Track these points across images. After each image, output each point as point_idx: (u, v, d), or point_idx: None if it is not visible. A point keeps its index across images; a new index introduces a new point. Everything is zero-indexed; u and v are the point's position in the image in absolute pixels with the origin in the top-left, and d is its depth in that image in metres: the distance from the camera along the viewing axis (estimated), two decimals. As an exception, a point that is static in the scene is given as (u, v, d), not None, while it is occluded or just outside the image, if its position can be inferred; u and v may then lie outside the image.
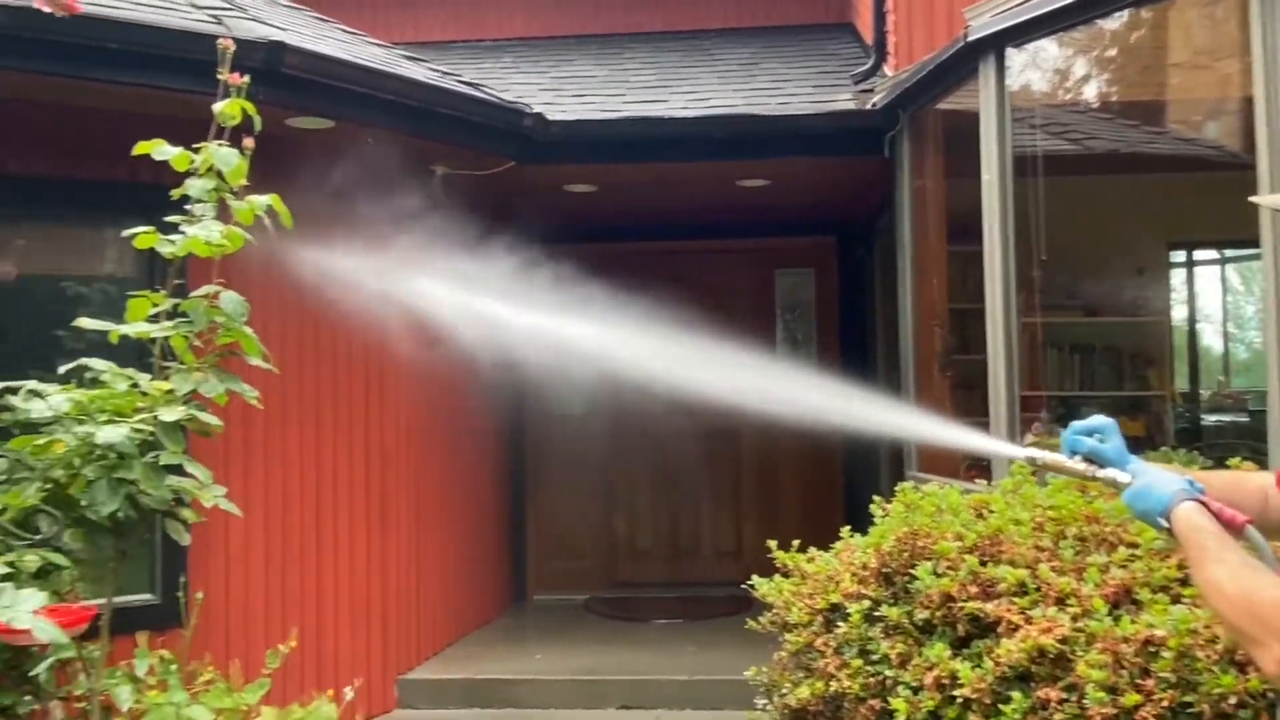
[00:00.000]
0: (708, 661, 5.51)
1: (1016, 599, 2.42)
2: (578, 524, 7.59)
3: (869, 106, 5.27)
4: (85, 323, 2.89)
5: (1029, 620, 2.35)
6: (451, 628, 6.02)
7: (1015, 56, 4.29)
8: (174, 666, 3.66)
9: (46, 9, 2.28)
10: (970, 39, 4.23)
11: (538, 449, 7.53)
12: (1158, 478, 1.61)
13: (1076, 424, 1.74)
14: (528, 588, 7.46)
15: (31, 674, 3.01)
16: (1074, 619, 2.32)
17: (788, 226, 7.27)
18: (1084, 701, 2.18)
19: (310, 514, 4.98)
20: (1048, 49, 4.69)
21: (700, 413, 6.61)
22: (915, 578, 2.56)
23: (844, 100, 5.52)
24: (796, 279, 7.57)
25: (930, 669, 2.42)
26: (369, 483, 5.26)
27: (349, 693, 4.38)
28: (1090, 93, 5.57)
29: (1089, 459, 1.73)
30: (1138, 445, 1.78)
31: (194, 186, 2.95)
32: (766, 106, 5.48)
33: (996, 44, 4.20)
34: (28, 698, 3.09)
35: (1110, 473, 1.70)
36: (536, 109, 5.41)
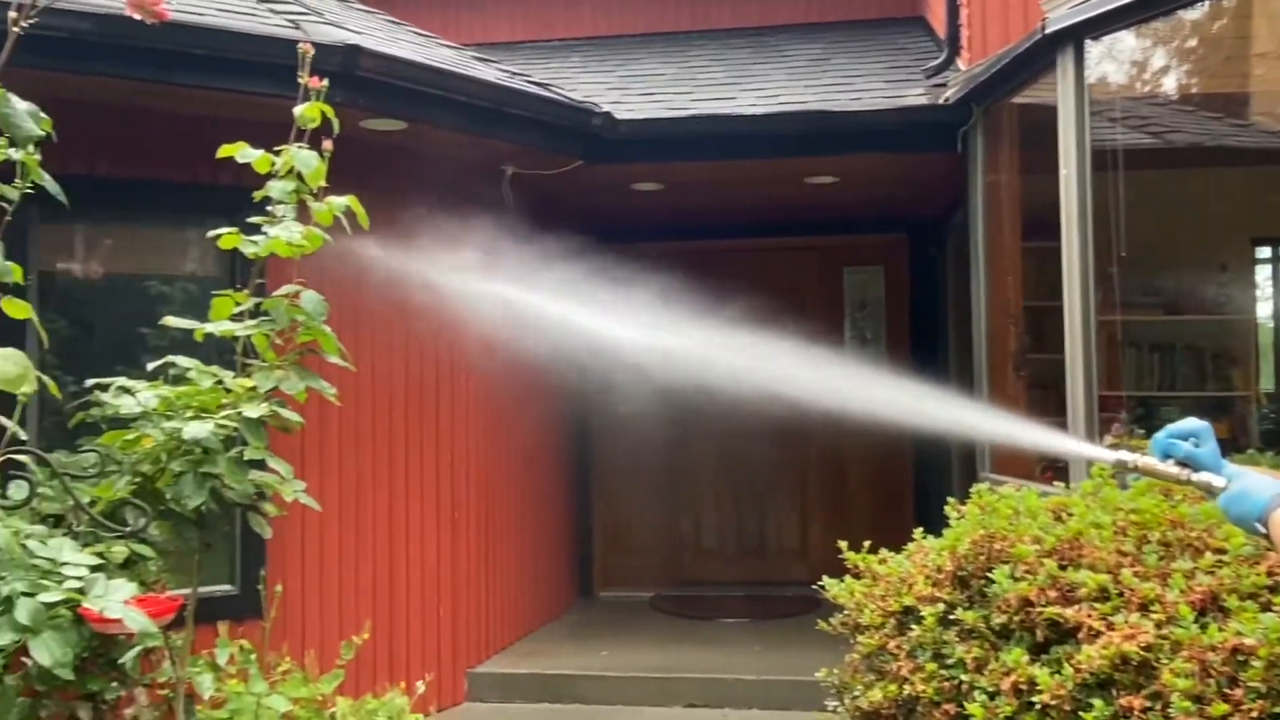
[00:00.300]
0: (775, 661, 5.49)
1: (1098, 604, 2.37)
2: (644, 521, 7.61)
3: (942, 101, 5.20)
4: (171, 321, 2.98)
5: (1111, 626, 2.30)
6: (520, 622, 6.08)
7: (1092, 48, 4.20)
8: (253, 656, 3.75)
9: (136, 16, 2.34)
10: (1048, 31, 4.14)
11: (604, 446, 7.56)
12: (1255, 482, 1.59)
13: (1171, 427, 1.71)
14: (594, 584, 7.51)
15: (119, 661, 3.10)
16: (1158, 626, 2.26)
17: (856, 223, 7.20)
18: (1169, 710, 2.13)
19: (383, 509, 5.06)
20: (1125, 40, 4.58)
21: (766, 411, 6.61)
22: (992, 581, 2.52)
23: (916, 95, 5.45)
24: (865, 276, 7.50)
25: (1007, 674, 2.38)
26: (439, 478, 5.34)
27: (421, 686, 4.45)
28: (1170, 85, 5.43)
29: (1182, 463, 1.69)
30: (1221, 447, 1.74)
31: (275, 188, 3.01)
32: (837, 103, 5.43)
33: (1075, 36, 4.11)
34: (114, 684, 3.19)
35: (1205, 477, 1.67)
36: (605, 108, 5.44)
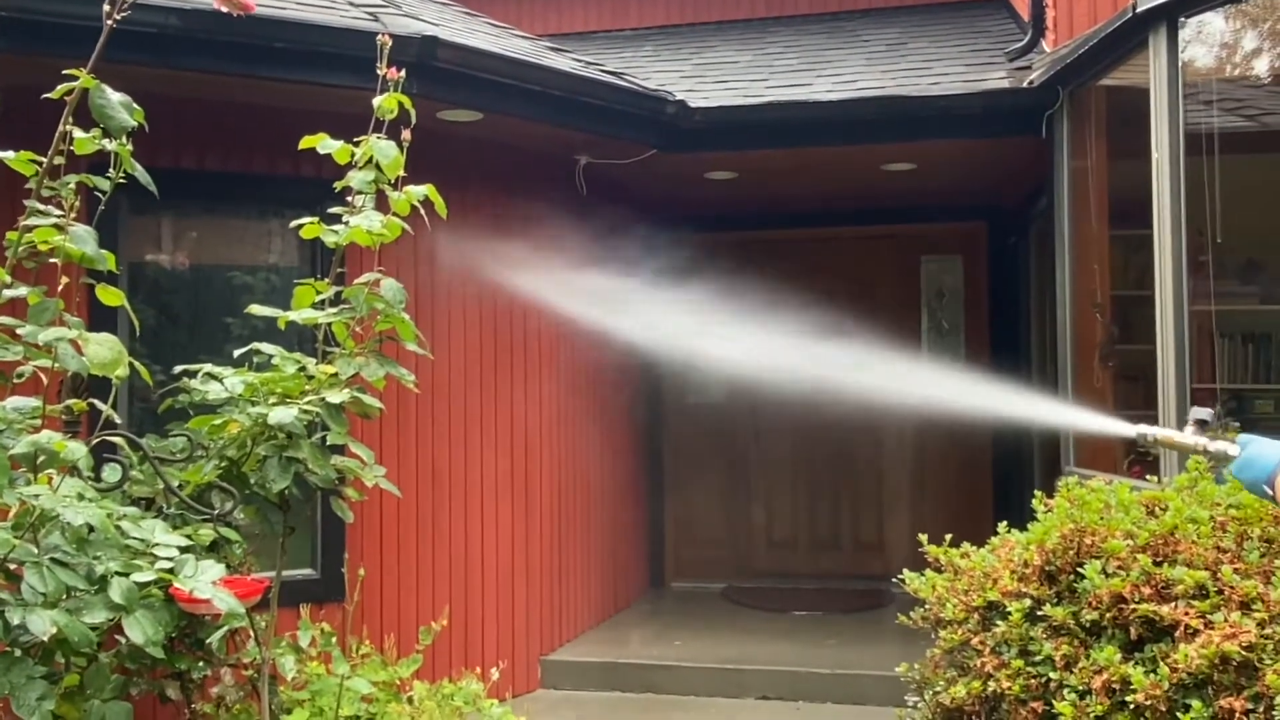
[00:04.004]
0: (849, 655, 5.43)
1: (1195, 602, 2.28)
2: (716, 513, 7.58)
3: (1025, 84, 5.06)
4: (256, 309, 3.03)
5: (1210, 625, 2.21)
6: (592, 611, 6.10)
7: (1183, 28, 4.05)
8: (334, 639, 3.82)
9: (224, 9, 2.38)
10: (1140, 10, 4.01)
11: (676, 437, 7.55)
12: (1264, 447, 1.60)
13: None
14: (665, 574, 7.50)
15: (206, 641, 3.18)
16: (1261, 625, 2.17)
17: (934, 211, 7.06)
18: (1273, 713, 2.04)
19: (459, 497, 5.12)
20: (1214, 21, 4.42)
21: (841, 401, 6.53)
22: (1082, 577, 2.44)
23: (998, 78, 5.31)
24: (943, 265, 7.35)
25: (1099, 672, 2.30)
26: (513, 468, 5.38)
27: (495, 672, 4.49)
28: (1263, 66, 5.21)
29: (1200, 431, 1.73)
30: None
31: (355, 179, 3.05)
32: (916, 87, 5.32)
33: (1169, 14, 3.96)
34: (201, 664, 3.27)
35: (1220, 445, 1.74)
36: (679, 96, 5.40)
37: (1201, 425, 1.80)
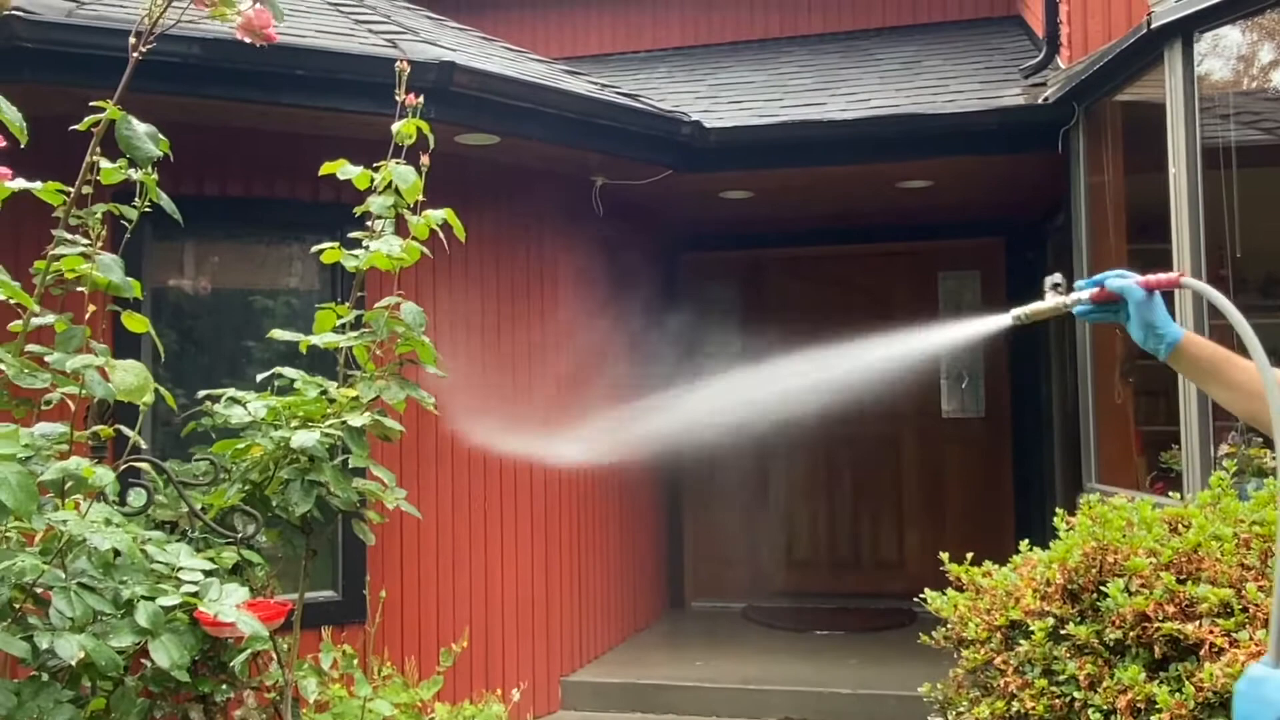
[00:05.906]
0: (872, 675, 5.39)
1: (1220, 620, 2.27)
2: (735, 532, 7.56)
3: (1041, 101, 5.06)
4: (278, 334, 3.07)
5: (1235, 643, 2.20)
6: (612, 632, 6.09)
7: (1199, 43, 4.05)
8: (355, 661, 3.83)
9: (246, 39, 2.42)
10: (1155, 25, 4.01)
11: (694, 456, 7.53)
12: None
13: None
14: (685, 594, 7.47)
15: (229, 664, 3.20)
16: (1287, 644, 2.15)
17: (951, 228, 7.05)
18: (1301, 733, 2.02)
19: (478, 517, 5.13)
20: (1230, 35, 4.42)
21: (859, 418, 6.52)
22: (1105, 595, 2.43)
23: (1013, 95, 5.32)
24: (960, 282, 7.33)
25: (1123, 692, 2.29)
26: (533, 487, 5.39)
27: (516, 693, 4.49)
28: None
29: (1057, 293, 1.85)
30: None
31: (374, 203, 3.09)
32: (931, 105, 5.33)
33: (1184, 29, 3.96)
34: (224, 686, 3.29)
35: (1074, 295, 1.82)
36: (694, 117, 5.43)
37: (1056, 288, 1.87)
